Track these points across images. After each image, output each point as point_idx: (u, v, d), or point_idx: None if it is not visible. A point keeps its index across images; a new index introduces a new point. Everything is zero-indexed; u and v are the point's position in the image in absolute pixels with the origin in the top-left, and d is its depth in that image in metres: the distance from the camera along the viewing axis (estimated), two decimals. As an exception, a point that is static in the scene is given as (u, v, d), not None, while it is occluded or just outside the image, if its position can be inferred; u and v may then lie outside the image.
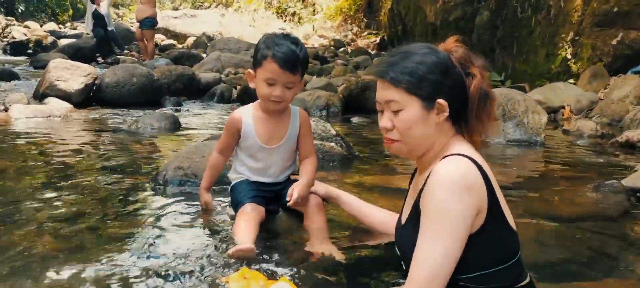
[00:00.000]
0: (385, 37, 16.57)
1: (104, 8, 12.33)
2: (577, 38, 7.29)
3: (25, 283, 1.61)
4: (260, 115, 2.19)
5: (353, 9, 20.34)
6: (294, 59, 2.04)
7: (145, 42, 11.21)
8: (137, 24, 11.73)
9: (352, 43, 18.11)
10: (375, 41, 17.45)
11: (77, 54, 10.60)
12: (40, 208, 2.38)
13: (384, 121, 1.53)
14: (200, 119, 5.84)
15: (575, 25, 7.33)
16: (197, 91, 7.61)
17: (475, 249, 1.43)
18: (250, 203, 2.13)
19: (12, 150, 3.78)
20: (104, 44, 12.35)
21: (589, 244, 2.11)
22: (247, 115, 2.20)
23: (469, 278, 1.45)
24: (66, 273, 1.67)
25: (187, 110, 6.46)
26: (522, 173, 3.48)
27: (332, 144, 3.51)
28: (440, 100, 1.47)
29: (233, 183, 2.28)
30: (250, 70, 2.16)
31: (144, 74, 6.56)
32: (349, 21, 20.33)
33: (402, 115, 1.50)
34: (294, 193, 2.06)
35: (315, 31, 21.66)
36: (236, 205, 2.18)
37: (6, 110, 5.30)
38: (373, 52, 15.41)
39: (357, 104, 6.41)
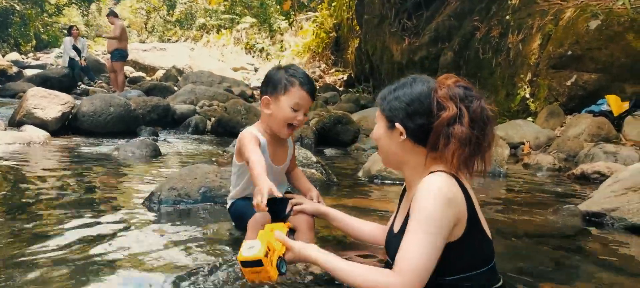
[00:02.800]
0: (353, 75, 17.05)
1: (80, 41, 12.73)
2: (534, 79, 7.78)
3: None
4: (267, 137, 2.39)
5: (321, 47, 20.85)
6: (314, 88, 2.35)
7: (116, 73, 11.34)
8: (108, 56, 11.89)
9: (320, 79, 18.53)
10: (342, 78, 17.92)
11: (44, 83, 10.61)
12: (45, 233, 2.50)
13: (372, 132, 1.92)
14: (178, 147, 5.98)
15: (533, 67, 7.83)
16: (172, 122, 7.75)
17: (457, 254, 1.67)
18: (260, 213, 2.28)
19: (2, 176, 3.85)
20: (74, 74, 12.65)
21: (551, 256, 2.37)
22: (259, 135, 2.36)
23: (452, 280, 1.70)
24: None
25: (164, 139, 6.59)
26: (488, 199, 3.76)
27: (313, 171, 3.73)
28: (397, 124, 1.76)
29: (233, 201, 2.46)
30: (267, 97, 2.35)
31: (121, 103, 6.67)
32: (317, 58, 20.80)
33: (374, 130, 1.88)
34: (313, 197, 2.42)
35: (283, 67, 22.05)
36: (240, 217, 2.37)
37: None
38: (340, 89, 15.81)
39: (330, 136, 6.68)
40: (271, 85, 2.36)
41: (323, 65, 20.34)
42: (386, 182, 4.12)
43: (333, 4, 19.79)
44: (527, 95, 7.87)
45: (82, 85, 12.17)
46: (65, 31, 13.13)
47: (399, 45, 11.53)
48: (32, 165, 4.27)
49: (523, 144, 6.77)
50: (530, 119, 7.59)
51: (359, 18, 15.02)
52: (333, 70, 19.61)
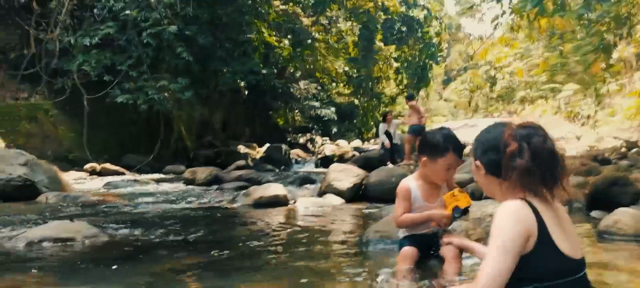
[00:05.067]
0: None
1: (392, 127, 14.73)
2: None
3: None
4: (420, 182, 2.98)
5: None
6: (463, 149, 2.92)
7: (405, 145, 12.90)
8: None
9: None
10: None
11: (364, 163, 12.58)
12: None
13: None
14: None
15: None
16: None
17: (528, 265, 1.96)
18: (407, 247, 2.96)
19: (297, 229, 5.18)
20: (391, 153, 14.60)
21: None
22: (412, 183, 3.00)
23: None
24: None
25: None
26: None
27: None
28: (476, 162, 2.15)
29: (400, 238, 3.09)
30: (425, 158, 2.95)
31: (401, 174, 7.67)
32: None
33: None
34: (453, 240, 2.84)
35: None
36: (400, 248, 3.02)
37: (294, 202, 6.97)
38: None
39: (604, 199, 6.24)
40: (429, 148, 2.93)
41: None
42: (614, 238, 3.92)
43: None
44: None
45: (389, 164, 13.87)
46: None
47: None
48: (326, 221, 5.48)
49: None
50: None
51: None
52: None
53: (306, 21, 23.51)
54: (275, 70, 26.58)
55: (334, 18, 26.81)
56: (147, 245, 3.91)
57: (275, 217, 5.81)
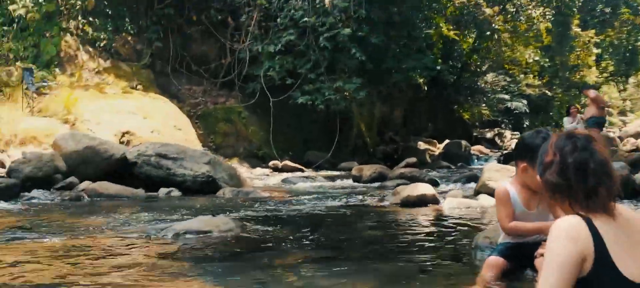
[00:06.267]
0: None
1: (576, 119, 13.49)
2: None
3: None
4: (519, 188, 2.84)
5: None
6: None
7: None
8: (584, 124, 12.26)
9: None
10: None
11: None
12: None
13: None
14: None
15: None
16: (632, 192, 7.44)
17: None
18: (494, 256, 2.86)
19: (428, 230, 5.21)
20: None
21: None
22: (511, 189, 2.87)
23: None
24: None
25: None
26: None
27: None
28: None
29: (498, 243, 3.01)
30: (526, 164, 2.81)
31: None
32: None
33: None
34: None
35: None
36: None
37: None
38: None
39: None
40: (530, 152, 2.77)
41: None
42: None
43: None
44: None
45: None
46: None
47: None
48: (464, 222, 5.38)
49: None
50: None
51: None
52: None
53: (489, 11, 22.49)
54: (460, 65, 25.95)
55: (523, 5, 25.14)
56: (271, 240, 4.31)
57: (416, 217, 5.85)
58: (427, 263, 3.53)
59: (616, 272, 1.75)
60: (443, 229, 5.01)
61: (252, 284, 2.99)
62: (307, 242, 4.27)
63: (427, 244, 4.19)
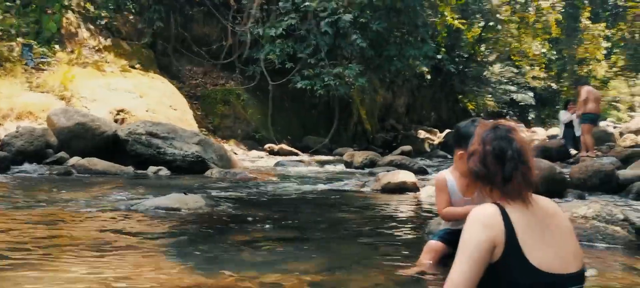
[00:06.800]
0: None
1: (574, 116, 13.47)
2: None
3: None
4: (457, 176, 2.92)
5: None
6: None
7: (583, 136, 11.58)
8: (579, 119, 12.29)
9: None
10: None
11: (543, 153, 11.76)
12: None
13: None
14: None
15: None
16: (615, 187, 7.44)
17: (495, 275, 1.86)
18: (434, 240, 2.96)
19: (396, 216, 5.28)
20: (574, 144, 13.38)
21: None
22: (449, 176, 2.94)
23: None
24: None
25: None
26: None
27: (617, 228, 3.45)
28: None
29: (439, 230, 3.10)
30: (462, 151, 2.86)
31: (546, 167, 7.07)
32: None
33: None
34: None
35: None
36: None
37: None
38: None
39: None
40: (465, 140, 2.83)
41: None
42: None
43: None
44: None
45: (574, 153, 12.73)
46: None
47: None
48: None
49: None
50: None
51: None
52: None
53: (496, 1, 22.34)
54: (466, 55, 25.83)
55: (532, -5, 24.95)
56: (238, 220, 4.39)
57: (391, 203, 5.90)
58: (382, 246, 3.58)
59: (523, 259, 1.80)
60: (412, 215, 5.07)
61: (206, 259, 3.07)
62: (273, 223, 4.34)
63: (389, 229, 4.24)
